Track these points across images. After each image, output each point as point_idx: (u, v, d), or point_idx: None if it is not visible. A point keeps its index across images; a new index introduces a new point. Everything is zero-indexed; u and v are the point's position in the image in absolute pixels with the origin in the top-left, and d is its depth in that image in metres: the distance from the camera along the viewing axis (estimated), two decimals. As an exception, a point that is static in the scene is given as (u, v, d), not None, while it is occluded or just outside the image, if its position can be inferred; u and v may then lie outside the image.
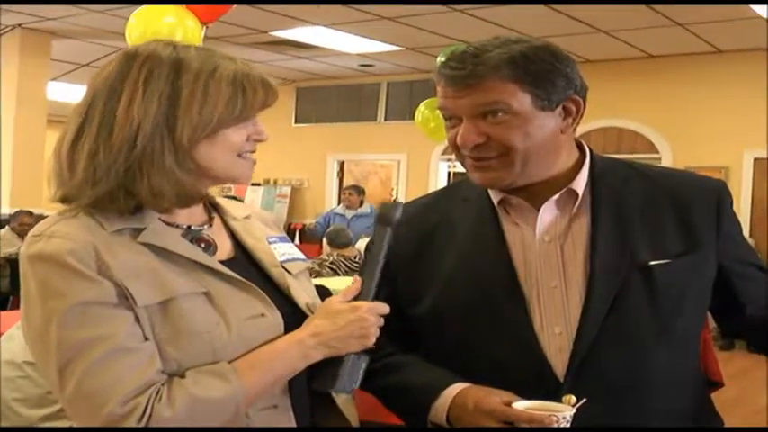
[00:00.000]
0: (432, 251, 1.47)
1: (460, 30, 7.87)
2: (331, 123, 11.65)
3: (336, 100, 11.63)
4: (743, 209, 8.56)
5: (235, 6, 4.43)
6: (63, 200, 1.22)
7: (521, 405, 1.25)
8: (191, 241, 1.27)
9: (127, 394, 1.10)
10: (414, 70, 10.42)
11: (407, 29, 8.28)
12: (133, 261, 1.17)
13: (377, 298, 1.30)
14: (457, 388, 1.35)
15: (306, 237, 10.49)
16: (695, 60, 8.92)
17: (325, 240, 6.69)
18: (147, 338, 1.15)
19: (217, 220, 1.35)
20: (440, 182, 10.49)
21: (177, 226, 1.27)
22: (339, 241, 6.45)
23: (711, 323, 1.56)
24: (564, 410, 1.23)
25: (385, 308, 1.28)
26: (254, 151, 1.29)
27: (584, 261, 1.38)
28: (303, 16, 7.97)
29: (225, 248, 1.33)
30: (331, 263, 6.15)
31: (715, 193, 1.45)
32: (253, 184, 10.50)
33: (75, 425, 1.16)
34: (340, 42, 9.08)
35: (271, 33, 8.75)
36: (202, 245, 1.28)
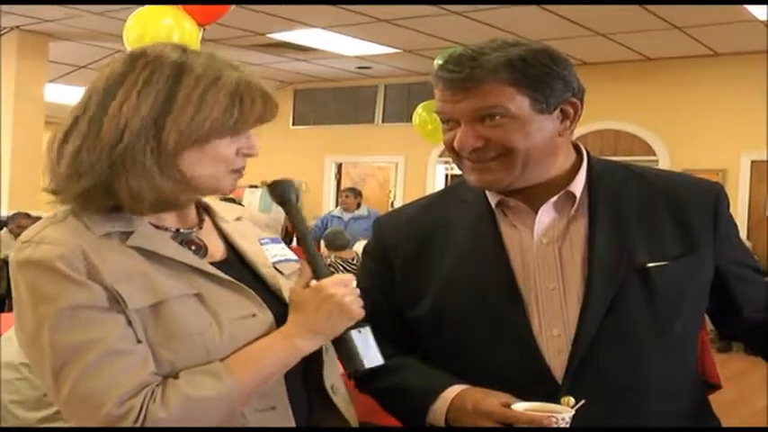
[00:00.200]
0: (430, 253, 1.47)
1: (458, 32, 7.87)
2: (328, 125, 11.66)
3: (334, 102, 11.63)
4: (740, 211, 8.58)
5: (232, 8, 4.43)
6: (53, 192, 1.22)
7: (520, 406, 1.25)
8: (180, 244, 1.26)
9: (122, 396, 1.10)
10: (411, 72, 10.43)
11: (405, 31, 8.28)
12: (123, 264, 1.17)
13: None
14: (455, 390, 1.35)
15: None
16: (692, 63, 8.94)
17: (322, 243, 6.69)
18: (140, 341, 1.15)
19: (208, 222, 1.35)
20: (437, 184, 10.50)
21: (167, 229, 1.27)
22: (337, 243, 6.45)
23: (709, 325, 1.56)
24: (563, 412, 1.23)
25: (347, 278, 1.27)
26: (243, 167, 1.27)
27: (582, 263, 1.38)
28: (300, 18, 7.98)
29: (216, 250, 1.32)
30: (329, 265, 6.14)
31: (712, 195, 1.45)
32: (250, 186, 10.49)
33: (72, 426, 1.17)
34: (337, 44, 9.08)
35: (268, 35, 8.76)
36: (192, 247, 1.28)
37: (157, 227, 1.25)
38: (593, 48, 8.56)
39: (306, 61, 10.21)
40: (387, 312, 1.49)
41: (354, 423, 1.38)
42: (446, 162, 10.27)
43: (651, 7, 7.00)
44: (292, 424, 1.27)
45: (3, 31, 8.85)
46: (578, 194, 1.41)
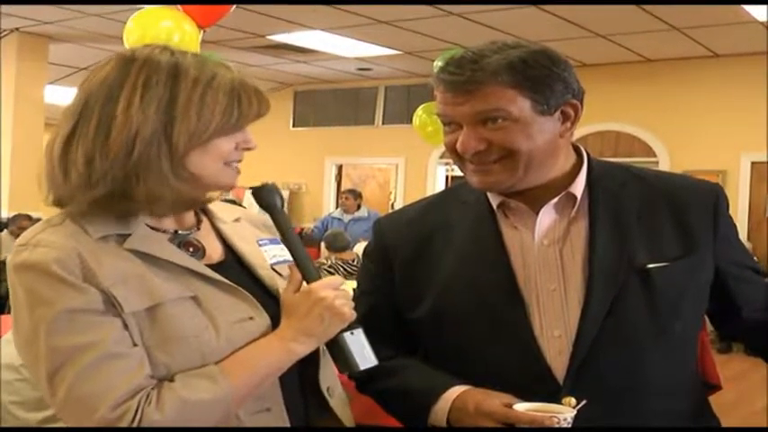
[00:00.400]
0: (430, 254, 1.47)
1: (458, 34, 7.87)
2: (329, 127, 11.66)
3: (334, 103, 11.63)
4: (740, 212, 8.58)
5: (232, 10, 4.43)
6: (57, 203, 1.22)
7: (521, 407, 1.26)
8: (178, 246, 1.27)
9: (117, 399, 1.11)
10: (411, 74, 10.43)
11: (405, 33, 8.29)
12: (119, 267, 1.17)
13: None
14: (457, 391, 1.35)
15: (304, 240, 10.48)
16: (692, 64, 8.94)
17: (323, 244, 6.70)
18: (135, 344, 1.15)
19: (205, 224, 1.35)
20: (438, 185, 10.49)
21: (164, 231, 1.27)
22: (337, 245, 6.46)
23: (709, 326, 1.56)
24: (565, 412, 1.23)
25: (337, 280, 1.28)
26: (240, 160, 1.28)
27: (583, 264, 1.38)
28: (301, 20, 7.98)
29: (214, 252, 1.33)
30: (329, 266, 6.16)
31: (711, 196, 1.45)
32: (251, 188, 10.49)
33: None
34: (337, 46, 9.08)
35: (268, 37, 8.76)
36: (190, 249, 1.28)
37: (155, 229, 1.26)
38: (593, 49, 8.56)
39: (306, 63, 10.21)
40: (387, 313, 1.49)
41: (350, 422, 1.38)
42: (446, 163, 10.26)
43: (651, 8, 7.00)
44: (287, 425, 1.27)
45: (3, 33, 8.85)
46: (579, 196, 1.42)
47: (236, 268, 1.32)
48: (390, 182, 11.76)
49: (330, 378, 1.37)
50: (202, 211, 1.37)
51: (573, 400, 1.26)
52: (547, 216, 1.41)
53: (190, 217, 1.33)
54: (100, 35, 8.49)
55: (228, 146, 1.24)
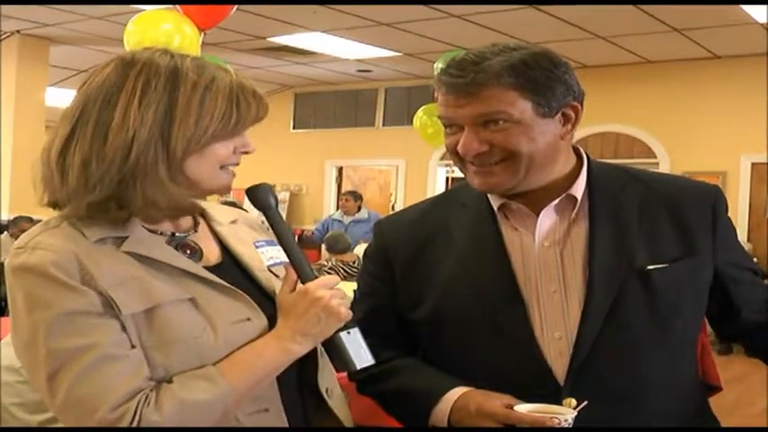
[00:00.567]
0: (430, 256, 1.47)
1: (458, 35, 7.88)
2: (329, 129, 11.66)
3: (334, 105, 11.64)
4: (740, 214, 8.58)
5: (233, 12, 4.44)
6: (52, 205, 1.22)
7: (523, 408, 1.26)
8: (175, 248, 1.27)
9: (116, 401, 1.11)
10: (411, 76, 10.44)
11: (405, 34, 8.29)
12: (117, 270, 1.17)
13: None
14: (458, 392, 1.35)
15: (304, 242, 10.49)
16: (693, 66, 8.95)
17: (323, 246, 6.70)
18: (134, 346, 1.15)
19: (203, 226, 1.35)
20: (438, 187, 10.50)
21: (161, 233, 1.27)
22: (338, 247, 6.46)
23: (709, 328, 1.56)
24: (566, 413, 1.24)
25: (332, 280, 1.28)
26: (238, 163, 1.28)
27: (583, 266, 1.38)
28: (301, 22, 7.99)
29: (212, 254, 1.33)
30: (330, 268, 6.16)
31: (710, 198, 1.45)
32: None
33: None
34: (338, 48, 9.09)
35: (269, 39, 8.77)
36: (187, 251, 1.28)
37: (152, 231, 1.26)
38: (593, 50, 8.57)
39: (306, 65, 10.22)
40: (388, 314, 1.50)
41: (348, 422, 1.39)
42: (447, 165, 10.26)
43: (651, 10, 7.01)
44: (285, 425, 1.27)
45: (4, 36, 8.86)
46: (579, 197, 1.42)
47: (233, 270, 1.32)
48: (391, 183, 11.77)
49: (329, 379, 1.37)
50: (200, 213, 1.37)
51: (573, 401, 1.26)
52: (547, 218, 1.42)
53: (187, 219, 1.33)
54: (101, 38, 8.50)
55: (226, 150, 1.24)
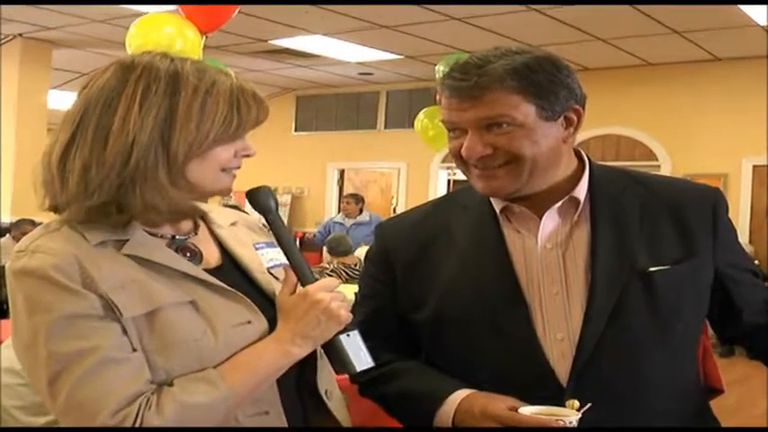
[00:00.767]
0: (432, 258, 1.48)
1: (459, 38, 7.89)
2: (331, 131, 11.67)
3: (336, 108, 11.65)
4: (742, 216, 8.58)
5: (234, 15, 4.44)
6: (54, 210, 1.22)
7: (527, 410, 1.26)
8: (175, 251, 1.27)
9: (117, 404, 1.11)
10: (413, 78, 10.45)
11: (406, 37, 8.30)
12: (118, 273, 1.17)
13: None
14: (462, 394, 1.35)
15: (306, 245, 10.49)
16: (694, 68, 8.95)
17: (325, 249, 6.70)
18: (135, 349, 1.15)
19: (203, 229, 1.35)
20: (440, 189, 10.50)
21: (161, 236, 1.27)
22: (339, 249, 6.46)
23: (711, 330, 1.56)
24: (570, 415, 1.24)
25: (332, 283, 1.28)
26: (239, 167, 1.28)
27: (586, 268, 1.39)
28: (302, 25, 8.00)
29: (212, 257, 1.33)
30: (331, 271, 6.16)
31: (710, 199, 1.46)
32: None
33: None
34: (339, 51, 9.10)
35: (270, 42, 8.78)
36: (188, 254, 1.28)
37: (153, 234, 1.26)
38: (594, 53, 8.58)
39: (308, 67, 10.23)
40: (389, 316, 1.50)
41: (347, 423, 1.39)
42: (448, 167, 10.27)
43: (652, 12, 7.01)
44: (285, 426, 1.27)
45: (6, 39, 8.88)
46: (581, 200, 1.42)
47: (233, 272, 1.32)
48: (392, 186, 11.78)
49: (328, 381, 1.37)
50: (200, 216, 1.37)
51: (576, 403, 1.27)
52: (550, 220, 1.42)
53: (187, 222, 1.33)
54: (103, 41, 8.51)
55: (227, 154, 1.24)
